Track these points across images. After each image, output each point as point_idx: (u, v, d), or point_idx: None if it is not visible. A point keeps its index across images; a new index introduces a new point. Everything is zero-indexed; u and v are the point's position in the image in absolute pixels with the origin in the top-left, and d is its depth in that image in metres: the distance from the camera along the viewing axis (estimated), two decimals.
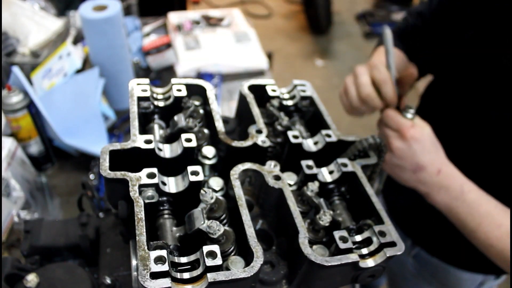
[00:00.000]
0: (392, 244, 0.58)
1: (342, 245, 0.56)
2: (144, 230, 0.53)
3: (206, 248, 0.51)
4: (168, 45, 1.73)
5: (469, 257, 1.13)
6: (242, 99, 0.82)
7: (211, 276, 0.49)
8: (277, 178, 0.64)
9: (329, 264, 0.54)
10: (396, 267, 1.39)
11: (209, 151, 0.70)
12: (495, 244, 0.85)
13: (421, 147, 0.86)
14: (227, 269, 0.53)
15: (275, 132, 0.77)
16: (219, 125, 0.73)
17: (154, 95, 0.77)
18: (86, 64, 1.62)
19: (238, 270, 0.51)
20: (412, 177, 0.89)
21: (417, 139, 0.86)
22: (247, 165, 0.66)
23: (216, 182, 0.68)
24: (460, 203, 0.87)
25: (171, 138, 0.71)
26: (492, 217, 0.85)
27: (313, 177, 0.68)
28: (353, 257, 0.56)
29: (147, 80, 0.76)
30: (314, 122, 0.82)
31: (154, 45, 1.72)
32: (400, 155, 0.87)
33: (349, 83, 0.97)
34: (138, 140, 0.64)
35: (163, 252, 0.50)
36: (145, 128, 0.75)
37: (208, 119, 0.78)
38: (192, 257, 0.52)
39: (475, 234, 0.87)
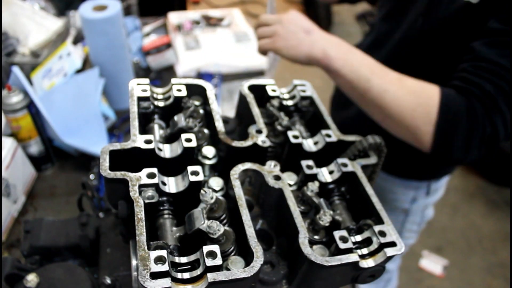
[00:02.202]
0: (392, 244, 0.58)
1: (342, 245, 0.57)
2: (144, 230, 0.53)
3: (206, 248, 0.51)
4: (168, 45, 1.73)
5: (399, 161, 1.24)
6: (242, 99, 0.83)
7: (211, 276, 0.49)
8: (277, 178, 0.64)
9: (329, 264, 0.54)
10: None
11: (209, 151, 0.70)
12: (389, 88, 0.92)
13: (302, 17, 1.07)
14: (227, 269, 0.53)
15: (275, 132, 0.77)
16: (219, 125, 0.73)
17: (154, 95, 0.77)
18: (86, 64, 1.61)
19: (238, 270, 0.51)
20: (306, 41, 1.01)
21: (295, 14, 1.07)
22: (247, 165, 0.66)
23: (216, 182, 0.68)
24: (352, 55, 0.98)
25: (171, 138, 0.71)
26: (381, 66, 0.96)
27: (313, 177, 0.68)
28: (353, 257, 0.56)
29: (147, 80, 0.76)
30: (314, 122, 0.82)
31: (154, 45, 1.72)
32: (289, 30, 1.03)
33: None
34: (138, 140, 0.64)
35: (163, 252, 0.50)
36: (145, 128, 0.75)
37: (208, 119, 0.78)
38: (192, 257, 0.52)
39: (370, 82, 0.93)
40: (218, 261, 0.50)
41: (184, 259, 0.52)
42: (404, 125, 0.92)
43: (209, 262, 0.50)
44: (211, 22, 2.04)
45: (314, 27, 1.05)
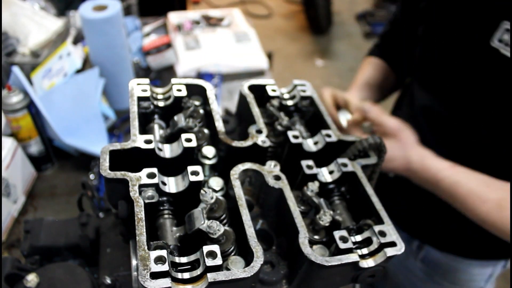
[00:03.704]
0: (392, 244, 0.58)
1: (342, 245, 0.56)
2: (144, 230, 0.53)
3: (206, 248, 0.51)
4: (168, 45, 1.73)
5: (477, 244, 1.15)
6: (242, 99, 0.83)
7: (211, 276, 0.49)
8: (277, 178, 0.64)
9: (329, 264, 0.54)
10: (404, 276, 1.36)
11: (209, 151, 0.70)
12: (485, 219, 0.89)
13: (410, 145, 0.97)
14: (227, 269, 0.53)
15: (275, 132, 0.77)
16: (219, 125, 0.73)
17: (154, 95, 0.77)
18: (86, 64, 1.61)
19: (238, 270, 0.51)
20: (401, 170, 0.98)
21: (407, 138, 0.98)
22: (247, 165, 0.66)
23: (216, 182, 0.68)
24: (436, 189, 0.95)
25: (171, 138, 0.71)
26: (474, 194, 0.91)
27: (313, 177, 0.68)
28: (353, 257, 0.56)
29: (147, 80, 0.76)
30: (314, 122, 0.82)
31: (154, 45, 1.72)
32: (394, 155, 0.96)
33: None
34: (138, 140, 0.64)
35: (163, 252, 0.50)
36: (145, 128, 0.75)
37: (208, 119, 0.78)
38: (192, 257, 0.52)
39: (465, 212, 0.92)
40: (218, 261, 0.50)
41: (184, 259, 0.52)
42: (504, 236, 0.90)
43: (209, 262, 0.50)
44: (211, 22, 2.04)
45: (413, 160, 0.97)
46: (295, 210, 0.60)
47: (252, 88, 0.82)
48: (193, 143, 0.65)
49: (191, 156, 0.67)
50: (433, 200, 0.99)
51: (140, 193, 0.58)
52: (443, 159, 0.96)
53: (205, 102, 0.79)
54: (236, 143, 0.70)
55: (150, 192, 0.59)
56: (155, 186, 0.59)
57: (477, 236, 1.04)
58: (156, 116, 0.76)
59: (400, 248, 0.58)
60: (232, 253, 0.57)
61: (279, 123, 0.76)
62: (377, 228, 0.59)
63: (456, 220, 1.00)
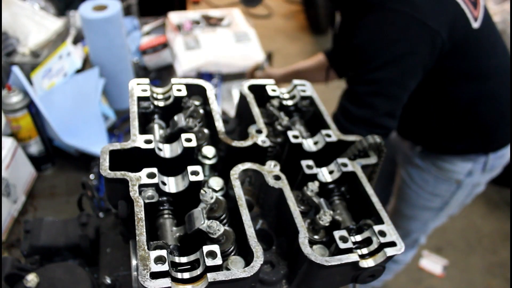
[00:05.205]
0: (392, 244, 0.58)
1: (342, 245, 0.56)
2: (144, 230, 0.53)
3: (206, 248, 0.51)
4: (165, 45, 1.73)
5: (455, 143, 1.46)
6: (242, 99, 0.82)
7: (211, 276, 0.49)
8: (277, 178, 0.64)
9: (329, 264, 0.54)
10: (405, 161, 1.67)
11: (209, 151, 0.70)
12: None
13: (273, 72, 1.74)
14: (227, 269, 0.53)
15: (275, 132, 0.77)
16: (219, 125, 0.73)
17: (154, 95, 0.77)
18: (86, 64, 1.62)
19: (238, 270, 0.51)
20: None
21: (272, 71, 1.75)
22: (247, 165, 0.65)
23: (216, 182, 0.68)
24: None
25: (171, 138, 0.71)
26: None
27: (313, 177, 0.68)
28: (353, 257, 0.56)
29: (147, 80, 0.76)
30: (314, 122, 0.82)
31: (150, 44, 1.72)
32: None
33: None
34: (138, 140, 0.64)
35: (163, 252, 0.50)
36: (145, 128, 0.75)
37: (208, 119, 0.78)
38: (192, 257, 0.52)
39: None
40: (218, 261, 0.50)
41: (184, 259, 0.52)
42: None
43: (209, 262, 0.50)
44: (211, 22, 2.04)
45: None
46: (295, 210, 0.60)
47: (252, 88, 0.82)
48: (193, 143, 0.65)
49: (191, 156, 0.67)
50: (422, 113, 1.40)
51: (140, 193, 0.58)
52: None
53: (205, 102, 0.79)
54: (236, 143, 0.70)
55: (150, 192, 0.59)
56: (155, 186, 0.59)
57: (454, 135, 1.41)
58: (156, 116, 0.76)
59: (400, 248, 0.58)
60: (232, 253, 0.57)
61: (279, 123, 0.76)
62: (377, 228, 0.59)
63: (439, 126, 1.37)
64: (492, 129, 1.42)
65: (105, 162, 0.60)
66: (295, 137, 0.72)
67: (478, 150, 1.47)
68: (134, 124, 0.67)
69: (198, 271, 0.50)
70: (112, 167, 0.60)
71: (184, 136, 0.66)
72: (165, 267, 0.48)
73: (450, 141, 1.45)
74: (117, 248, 0.82)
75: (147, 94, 0.74)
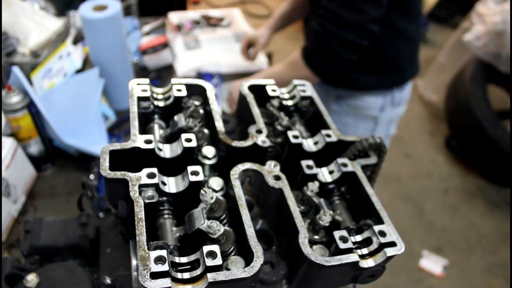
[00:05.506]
0: (392, 244, 0.58)
1: (342, 245, 0.57)
2: (144, 230, 0.53)
3: (206, 248, 0.51)
4: (165, 45, 1.73)
5: (364, 80, 1.60)
6: (242, 99, 0.82)
7: (211, 276, 0.49)
8: (277, 178, 0.64)
9: (329, 264, 0.54)
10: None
11: (209, 151, 0.70)
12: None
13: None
14: (227, 269, 0.53)
15: (275, 132, 0.77)
16: (219, 125, 0.73)
17: (154, 95, 0.77)
18: (86, 64, 1.62)
19: (238, 270, 0.51)
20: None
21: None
22: (247, 165, 0.66)
23: (216, 182, 0.68)
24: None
25: (171, 138, 0.71)
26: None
27: (313, 177, 0.68)
28: (353, 257, 0.56)
29: (147, 80, 0.76)
30: (314, 122, 0.82)
31: (150, 44, 1.72)
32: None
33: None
34: (138, 140, 0.64)
35: (163, 252, 0.50)
36: (145, 128, 0.75)
37: (208, 119, 0.78)
38: (192, 257, 0.52)
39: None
40: (218, 261, 0.50)
41: (184, 259, 0.52)
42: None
43: (209, 262, 0.50)
44: (211, 22, 2.04)
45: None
46: (295, 210, 0.60)
47: (252, 88, 0.82)
48: (193, 143, 0.65)
49: (191, 156, 0.67)
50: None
51: (140, 193, 0.58)
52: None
53: (205, 102, 0.79)
54: (236, 143, 0.70)
55: (150, 192, 0.59)
56: (155, 186, 0.59)
57: (361, 75, 1.56)
58: (156, 116, 0.76)
59: (400, 248, 0.58)
60: (232, 253, 0.57)
61: (279, 123, 0.76)
62: (377, 228, 0.59)
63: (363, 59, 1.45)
64: (402, 67, 1.60)
65: (105, 162, 0.60)
66: (295, 137, 0.72)
67: (385, 86, 1.63)
68: (134, 124, 0.67)
69: (198, 271, 0.50)
70: (112, 167, 0.60)
71: (184, 136, 0.66)
72: (165, 267, 0.48)
73: (365, 75, 1.58)
74: (117, 248, 0.82)
75: (147, 94, 0.74)
